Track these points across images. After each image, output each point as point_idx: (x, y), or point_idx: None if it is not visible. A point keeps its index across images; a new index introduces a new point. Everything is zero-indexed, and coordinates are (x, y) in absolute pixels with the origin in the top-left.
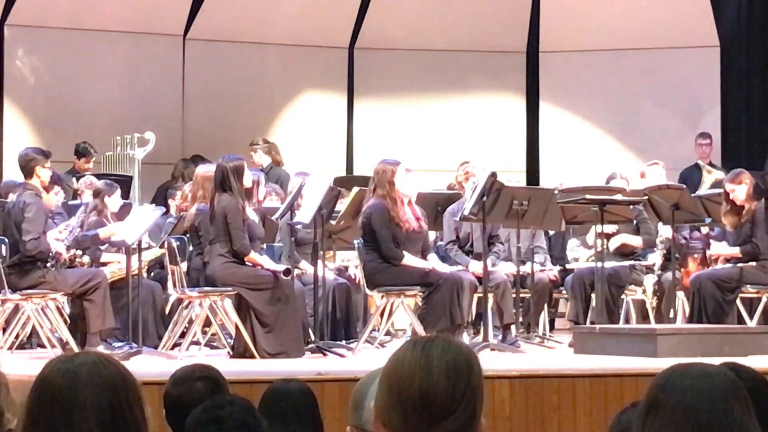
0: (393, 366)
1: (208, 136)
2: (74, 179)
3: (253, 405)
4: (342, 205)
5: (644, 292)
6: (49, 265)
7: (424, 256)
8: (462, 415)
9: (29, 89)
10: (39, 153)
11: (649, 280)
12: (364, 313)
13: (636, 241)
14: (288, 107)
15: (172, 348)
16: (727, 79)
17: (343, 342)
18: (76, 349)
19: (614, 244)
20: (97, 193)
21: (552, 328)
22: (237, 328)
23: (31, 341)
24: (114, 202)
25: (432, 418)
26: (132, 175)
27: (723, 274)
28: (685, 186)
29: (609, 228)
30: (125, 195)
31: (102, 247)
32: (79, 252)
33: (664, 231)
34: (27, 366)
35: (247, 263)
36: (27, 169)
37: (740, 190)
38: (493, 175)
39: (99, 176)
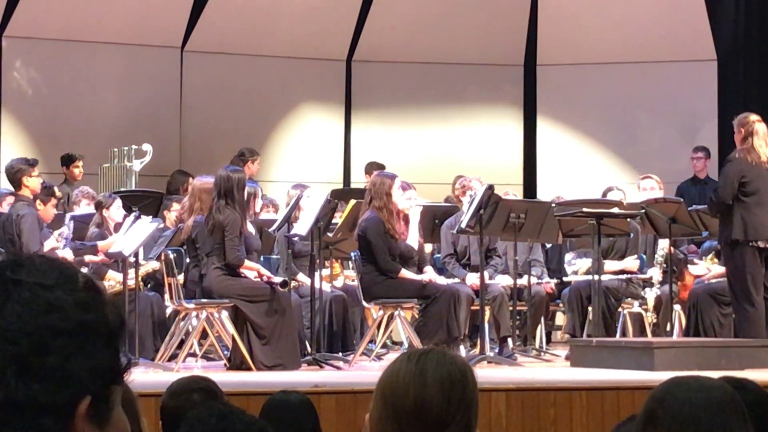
0: (387, 379)
1: (206, 148)
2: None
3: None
4: (339, 218)
5: (641, 305)
6: None
7: (420, 269)
8: (457, 428)
9: (27, 101)
10: (24, 163)
11: (651, 295)
12: (361, 326)
13: (634, 264)
14: (285, 119)
15: (169, 360)
16: (724, 92)
17: (340, 354)
18: None
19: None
20: (98, 206)
21: (549, 341)
22: (234, 340)
23: None
24: (115, 213)
25: (427, 431)
26: (163, 192)
27: (719, 287)
28: (682, 200)
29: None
30: (154, 212)
31: (97, 258)
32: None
33: (663, 245)
34: None
35: (243, 275)
36: (14, 180)
37: None
38: (490, 188)
39: (130, 192)
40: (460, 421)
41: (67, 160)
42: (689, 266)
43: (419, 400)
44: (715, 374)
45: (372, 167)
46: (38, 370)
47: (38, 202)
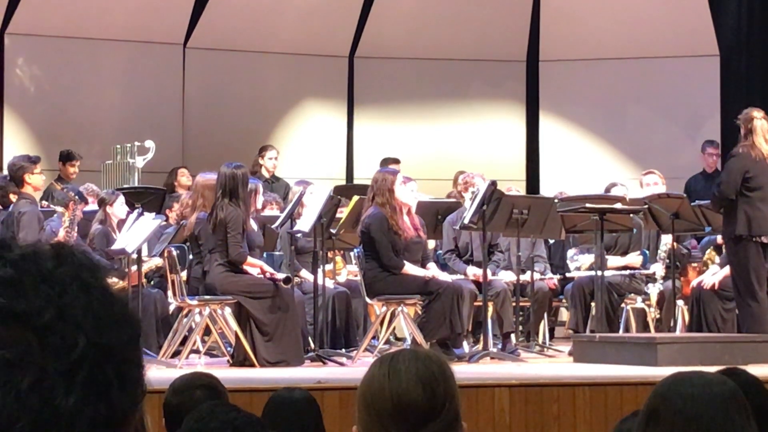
0: (364, 385)
1: (208, 144)
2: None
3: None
4: (342, 214)
5: (644, 301)
6: None
7: (423, 265)
8: (445, 419)
9: (29, 98)
10: (26, 160)
11: (654, 290)
12: (364, 322)
13: (637, 260)
14: (288, 116)
15: (172, 356)
16: (727, 87)
17: (343, 350)
18: None
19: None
20: (101, 203)
21: (552, 336)
22: (237, 336)
23: None
24: (118, 209)
25: (412, 427)
26: (165, 189)
27: (722, 283)
28: (685, 195)
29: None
30: (157, 209)
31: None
32: None
33: (666, 240)
34: None
35: (246, 272)
36: (16, 178)
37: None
38: (493, 183)
39: (133, 189)
40: (448, 411)
41: (66, 158)
42: (705, 272)
43: (396, 397)
44: (718, 370)
45: (387, 163)
46: (129, 383)
47: (71, 204)
